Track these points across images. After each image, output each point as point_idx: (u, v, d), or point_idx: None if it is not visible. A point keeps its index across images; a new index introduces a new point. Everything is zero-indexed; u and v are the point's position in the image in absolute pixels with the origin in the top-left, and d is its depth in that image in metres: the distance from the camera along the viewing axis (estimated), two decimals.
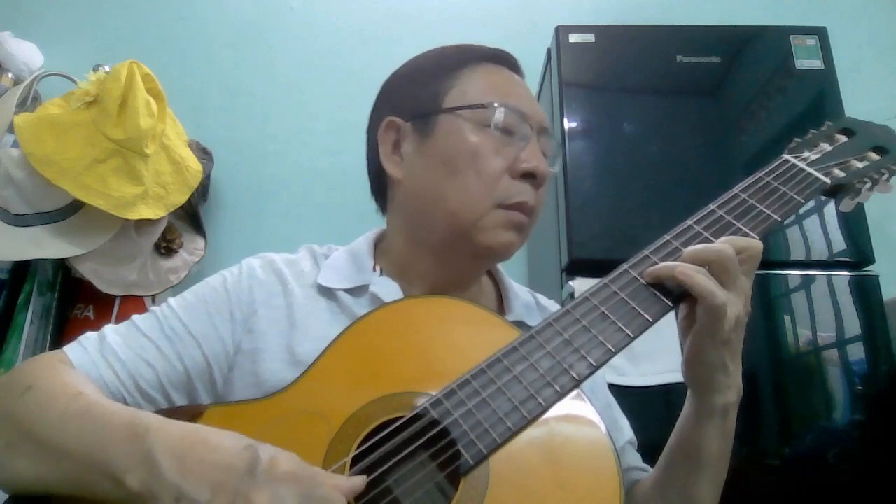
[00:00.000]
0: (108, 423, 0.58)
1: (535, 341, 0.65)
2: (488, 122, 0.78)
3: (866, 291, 1.49)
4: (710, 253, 0.65)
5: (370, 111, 0.90)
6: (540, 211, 0.82)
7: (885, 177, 0.80)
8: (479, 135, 0.78)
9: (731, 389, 0.69)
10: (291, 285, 0.80)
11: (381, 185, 0.89)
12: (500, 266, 0.92)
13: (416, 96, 0.83)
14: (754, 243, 0.67)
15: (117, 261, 1.73)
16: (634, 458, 0.87)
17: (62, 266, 1.74)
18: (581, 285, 1.41)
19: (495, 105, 0.78)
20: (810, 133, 0.83)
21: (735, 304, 0.65)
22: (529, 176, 0.79)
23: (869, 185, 0.79)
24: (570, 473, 0.59)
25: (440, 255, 0.82)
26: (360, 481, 0.56)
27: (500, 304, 0.89)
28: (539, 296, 0.94)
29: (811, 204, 1.53)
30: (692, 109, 1.70)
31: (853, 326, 1.46)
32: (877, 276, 1.50)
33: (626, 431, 0.89)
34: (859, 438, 1.38)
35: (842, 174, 0.77)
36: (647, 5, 2.28)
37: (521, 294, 0.91)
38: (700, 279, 0.63)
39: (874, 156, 0.80)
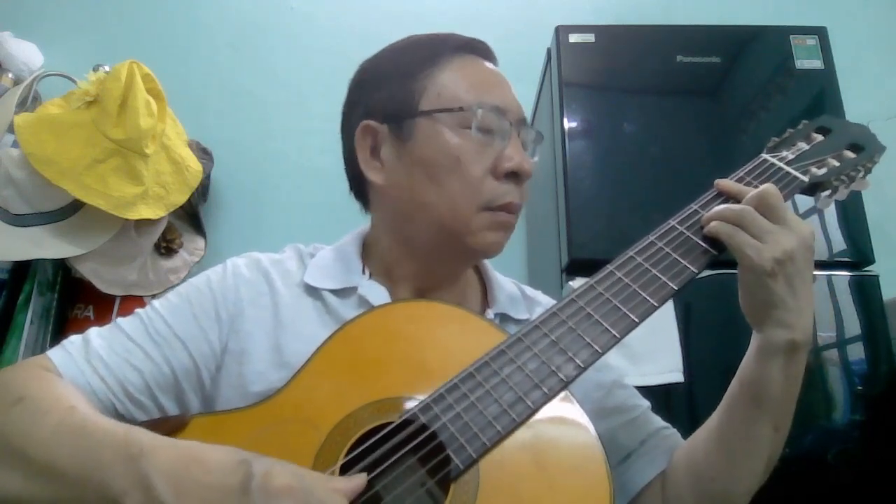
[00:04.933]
0: (102, 443, 0.57)
1: (522, 344, 0.65)
2: (468, 124, 0.77)
3: (866, 291, 1.48)
4: (750, 199, 0.69)
5: (343, 109, 0.89)
6: (523, 204, 0.81)
7: (861, 174, 0.82)
8: (459, 137, 0.77)
9: (794, 328, 0.66)
10: (277, 284, 0.79)
11: (360, 186, 0.88)
12: (493, 262, 0.91)
13: (390, 97, 0.81)
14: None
15: (117, 261, 1.73)
16: (658, 420, 0.86)
17: (62, 266, 1.75)
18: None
19: (474, 108, 0.77)
20: (788, 132, 0.84)
21: (782, 238, 0.65)
22: (513, 175, 0.78)
23: (846, 182, 0.80)
24: (560, 476, 0.59)
25: (427, 255, 0.82)
26: (360, 481, 0.56)
27: (485, 297, 0.89)
28: (525, 287, 0.93)
29: (808, 204, 1.53)
30: (692, 109, 1.70)
31: (853, 326, 1.45)
32: (877, 276, 1.49)
33: (642, 399, 0.87)
34: (859, 438, 1.37)
35: (819, 172, 0.78)
36: (647, 5, 2.28)
37: (505, 286, 0.90)
38: (726, 229, 0.68)
39: (850, 154, 0.81)
